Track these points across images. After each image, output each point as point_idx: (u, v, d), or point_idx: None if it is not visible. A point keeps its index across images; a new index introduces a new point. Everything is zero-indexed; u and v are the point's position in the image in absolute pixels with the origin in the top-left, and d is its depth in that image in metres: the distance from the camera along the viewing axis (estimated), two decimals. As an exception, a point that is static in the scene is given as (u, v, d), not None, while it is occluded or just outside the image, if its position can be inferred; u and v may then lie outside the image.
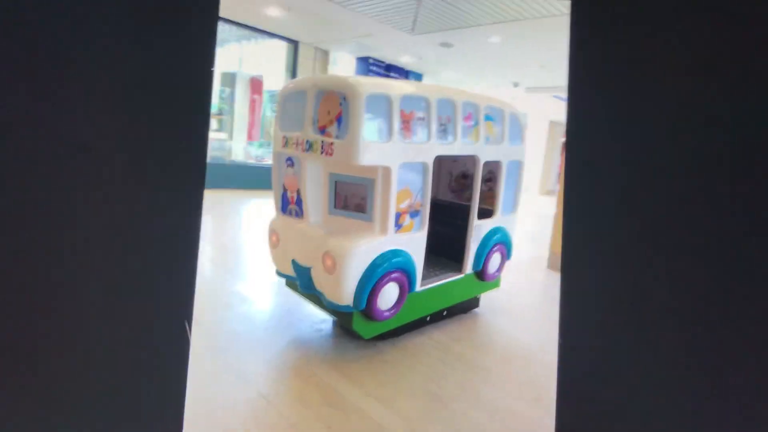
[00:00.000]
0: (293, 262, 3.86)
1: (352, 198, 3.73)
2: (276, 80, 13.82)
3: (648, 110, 1.01)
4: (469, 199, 4.48)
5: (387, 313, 3.73)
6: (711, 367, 0.99)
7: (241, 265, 6.30)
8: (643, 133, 1.03)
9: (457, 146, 3.91)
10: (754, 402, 0.95)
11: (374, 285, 3.51)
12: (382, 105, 3.33)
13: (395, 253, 3.62)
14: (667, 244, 1.02)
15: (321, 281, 3.58)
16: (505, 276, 5.39)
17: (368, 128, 3.25)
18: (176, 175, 1.35)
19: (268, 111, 13.88)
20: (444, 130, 3.80)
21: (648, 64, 0.99)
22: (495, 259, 4.74)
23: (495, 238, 4.62)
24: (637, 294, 1.11)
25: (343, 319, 3.84)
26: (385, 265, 3.52)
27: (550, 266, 7.29)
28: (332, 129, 3.36)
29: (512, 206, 4.85)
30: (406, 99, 3.46)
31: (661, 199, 1.02)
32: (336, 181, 3.72)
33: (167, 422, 1.47)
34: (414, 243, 3.78)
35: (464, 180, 5.04)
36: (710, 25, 0.88)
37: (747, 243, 0.89)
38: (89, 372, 1.32)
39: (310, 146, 3.46)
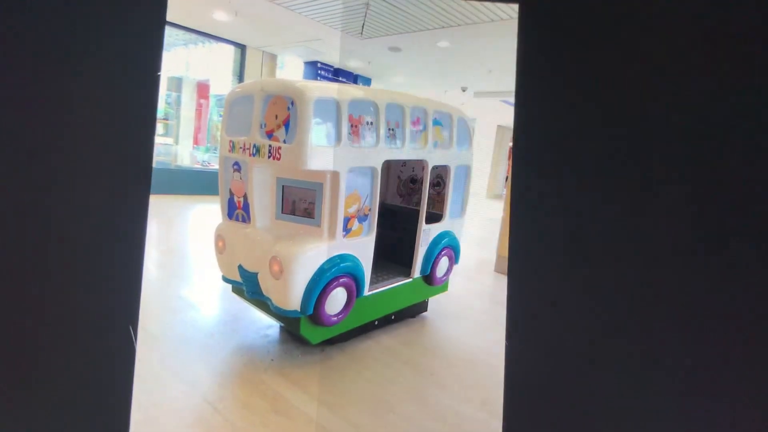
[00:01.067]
0: (240, 267, 3.81)
1: (300, 203, 3.71)
2: (224, 84, 13.64)
3: (594, 115, 1.04)
4: (418, 203, 4.51)
5: (335, 318, 3.72)
6: (654, 366, 1.02)
7: (187, 270, 6.20)
8: (589, 138, 1.06)
9: (405, 151, 3.93)
10: (686, 397, 1.00)
11: (322, 290, 3.49)
12: (330, 109, 3.33)
13: (343, 257, 3.62)
14: (609, 247, 1.05)
15: (268, 286, 3.55)
16: (453, 280, 5.44)
17: (316, 133, 3.25)
18: (121, 180, 1.33)
19: (215, 115, 13.69)
20: (392, 135, 3.83)
21: (596, 70, 1.02)
22: (443, 263, 4.78)
23: (443, 242, 4.66)
24: (581, 296, 1.14)
25: (290, 325, 3.81)
26: (332, 270, 3.52)
27: (498, 269, 7.38)
28: (280, 133, 3.34)
29: (460, 210, 4.90)
30: (355, 103, 3.47)
31: (605, 203, 1.05)
32: (283, 186, 3.69)
33: (113, 428, 1.44)
34: (362, 248, 3.79)
35: (413, 184, 5.08)
36: (659, 33, 0.92)
37: (690, 249, 0.93)
38: (32, 377, 1.29)
39: (257, 151, 3.44)
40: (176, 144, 13.05)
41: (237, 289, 4.23)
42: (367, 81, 15.96)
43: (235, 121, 3.77)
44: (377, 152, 3.66)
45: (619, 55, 0.97)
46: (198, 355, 3.74)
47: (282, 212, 3.75)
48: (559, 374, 1.23)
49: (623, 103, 0.99)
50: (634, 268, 1.01)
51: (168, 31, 11.10)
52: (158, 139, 12.18)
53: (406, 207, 5.06)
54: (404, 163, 5.01)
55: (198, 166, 13.01)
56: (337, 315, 3.73)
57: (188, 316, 4.47)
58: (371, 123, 3.62)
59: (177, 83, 13.07)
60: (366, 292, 3.94)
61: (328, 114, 3.32)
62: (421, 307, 5.02)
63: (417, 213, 4.47)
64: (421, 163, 4.31)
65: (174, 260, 6.52)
